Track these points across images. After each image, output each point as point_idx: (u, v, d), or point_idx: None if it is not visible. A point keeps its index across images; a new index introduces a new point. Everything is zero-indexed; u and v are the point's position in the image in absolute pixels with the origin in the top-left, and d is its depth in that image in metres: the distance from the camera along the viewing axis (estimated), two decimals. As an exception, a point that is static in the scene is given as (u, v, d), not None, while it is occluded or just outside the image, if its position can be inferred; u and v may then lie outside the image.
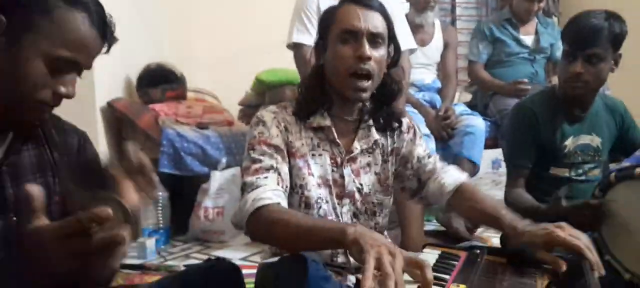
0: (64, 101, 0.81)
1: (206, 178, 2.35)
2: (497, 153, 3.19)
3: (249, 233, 1.00)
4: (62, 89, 0.79)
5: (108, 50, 0.85)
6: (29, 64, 0.76)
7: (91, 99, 2.16)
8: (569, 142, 1.53)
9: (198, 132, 2.37)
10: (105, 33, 0.82)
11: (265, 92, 2.80)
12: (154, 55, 2.71)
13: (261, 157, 1.04)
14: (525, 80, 2.47)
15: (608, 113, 1.59)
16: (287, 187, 1.05)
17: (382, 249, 0.77)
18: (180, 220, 2.36)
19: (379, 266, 0.76)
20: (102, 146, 2.21)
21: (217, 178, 2.32)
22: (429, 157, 1.20)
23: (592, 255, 0.92)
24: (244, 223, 0.99)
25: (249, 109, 2.83)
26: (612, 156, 1.63)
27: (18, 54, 0.76)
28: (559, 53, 2.72)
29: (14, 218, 0.78)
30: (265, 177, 1.01)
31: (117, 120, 2.34)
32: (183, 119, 2.42)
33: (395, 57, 1.14)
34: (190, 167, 2.31)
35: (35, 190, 0.63)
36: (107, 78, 2.32)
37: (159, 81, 2.53)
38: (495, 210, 1.09)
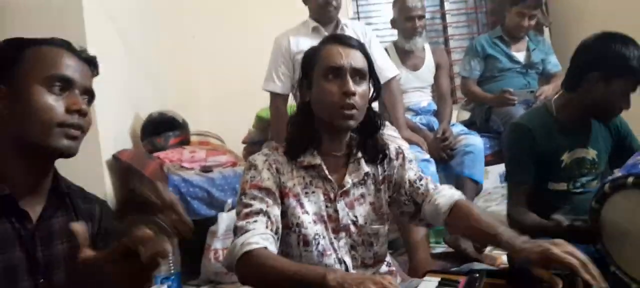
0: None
1: (214, 220, 2.38)
2: (503, 167, 3.19)
3: (238, 277, 1.03)
4: (73, 106, 0.85)
5: (96, 71, 0.93)
6: (28, 92, 0.84)
7: (97, 153, 2.21)
8: (566, 157, 1.54)
9: (203, 176, 2.40)
10: (80, 53, 0.90)
11: (266, 128, 2.85)
12: (157, 103, 2.78)
13: (252, 202, 1.07)
14: (511, 89, 2.49)
15: (602, 125, 1.60)
16: (278, 228, 1.08)
17: (368, 283, 0.80)
18: (191, 264, 2.37)
19: None
20: (108, 199, 2.26)
21: (225, 219, 2.35)
22: (421, 179, 1.22)
23: (586, 272, 0.92)
24: (233, 267, 1.02)
25: (253, 146, 2.88)
26: (614, 166, 1.63)
27: (17, 92, 0.84)
28: (550, 67, 2.77)
29: (42, 281, 0.85)
30: (255, 221, 1.04)
31: (123, 171, 2.39)
32: (187, 163, 2.46)
33: (376, 92, 1.18)
34: (198, 211, 2.34)
35: (79, 226, 0.71)
36: (113, 131, 2.39)
37: (162, 129, 2.59)
38: (491, 228, 1.09)
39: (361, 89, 1.12)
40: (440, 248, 2.49)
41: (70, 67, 0.87)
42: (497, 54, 2.70)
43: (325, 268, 1.04)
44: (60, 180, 0.92)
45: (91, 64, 0.92)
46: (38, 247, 0.85)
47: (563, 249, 0.96)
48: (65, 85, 0.86)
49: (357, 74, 1.12)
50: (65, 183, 0.94)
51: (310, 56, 1.17)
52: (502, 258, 2.07)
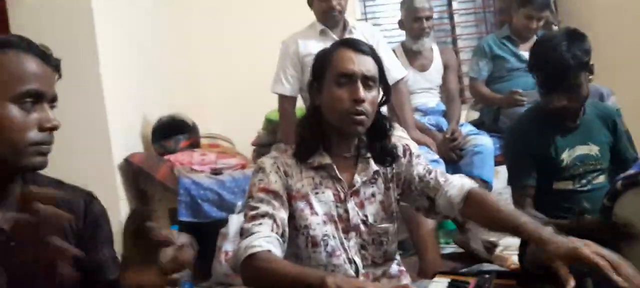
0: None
1: (224, 222, 2.39)
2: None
3: (242, 279, 1.04)
4: (46, 124, 0.81)
5: (59, 74, 0.86)
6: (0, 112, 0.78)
7: (108, 156, 2.22)
8: (565, 155, 1.53)
9: (213, 178, 2.43)
10: (46, 58, 0.84)
11: (276, 130, 2.87)
12: (166, 106, 2.80)
13: (258, 204, 1.09)
14: (520, 90, 2.48)
15: (601, 120, 1.59)
16: (284, 232, 1.09)
17: None
18: (202, 266, 2.39)
19: None
20: (122, 202, 2.28)
21: (235, 221, 2.36)
22: (430, 172, 1.21)
23: (616, 274, 0.89)
24: (238, 269, 1.04)
25: (262, 149, 2.90)
26: (614, 161, 1.61)
27: None
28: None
29: None
30: (260, 224, 1.06)
31: (134, 174, 2.41)
32: (198, 166, 2.49)
33: (385, 96, 1.19)
34: (208, 213, 2.36)
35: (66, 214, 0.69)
36: (123, 134, 2.41)
37: (172, 132, 2.62)
38: (514, 218, 1.06)
39: (371, 96, 1.13)
40: (450, 249, 2.48)
41: (38, 77, 0.81)
42: (505, 54, 2.68)
43: (326, 272, 1.05)
44: (27, 182, 0.86)
45: (55, 66, 0.85)
46: (14, 258, 0.80)
47: (593, 250, 0.93)
48: (36, 99, 0.81)
49: (368, 81, 1.13)
50: (37, 181, 0.87)
51: (322, 59, 1.18)
52: (513, 258, 2.05)
